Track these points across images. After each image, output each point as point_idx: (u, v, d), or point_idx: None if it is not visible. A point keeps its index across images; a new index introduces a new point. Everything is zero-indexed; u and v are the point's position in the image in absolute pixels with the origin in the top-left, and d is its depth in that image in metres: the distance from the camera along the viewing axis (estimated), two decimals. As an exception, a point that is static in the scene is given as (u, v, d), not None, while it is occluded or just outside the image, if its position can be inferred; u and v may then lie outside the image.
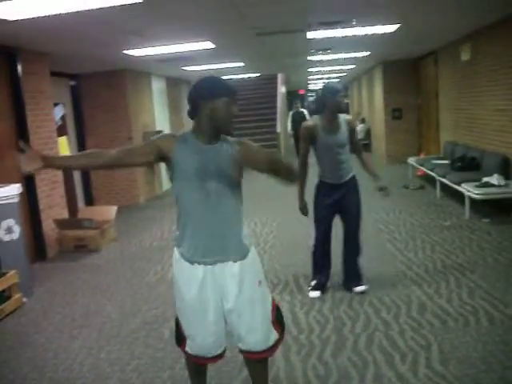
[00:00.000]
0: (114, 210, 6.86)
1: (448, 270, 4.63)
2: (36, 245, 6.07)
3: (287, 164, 2.30)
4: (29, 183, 5.89)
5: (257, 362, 2.48)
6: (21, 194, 4.96)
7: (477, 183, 6.28)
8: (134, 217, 8.32)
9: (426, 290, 4.18)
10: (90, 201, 9.25)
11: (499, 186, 6.13)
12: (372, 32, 6.89)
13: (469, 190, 6.26)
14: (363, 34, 6.92)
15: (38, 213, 6.05)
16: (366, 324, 3.65)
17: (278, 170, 2.26)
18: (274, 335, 2.41)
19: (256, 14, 5.33)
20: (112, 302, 4.55)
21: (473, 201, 6.30)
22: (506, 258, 4.69)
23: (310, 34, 6.79)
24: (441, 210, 7.00)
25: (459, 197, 7.00)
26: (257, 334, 2.34)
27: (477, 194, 6.07)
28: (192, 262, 2.25)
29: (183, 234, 2.28)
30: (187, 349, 2.44)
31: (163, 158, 2.21)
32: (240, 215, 2.34)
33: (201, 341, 2.36)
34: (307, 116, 13.33)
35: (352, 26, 6.31)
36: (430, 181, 8.71)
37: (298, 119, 12.99)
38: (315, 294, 4.24)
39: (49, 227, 6.23)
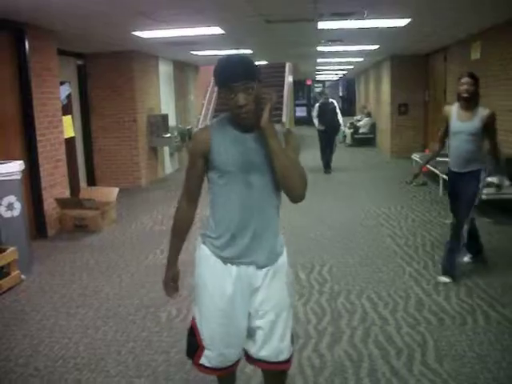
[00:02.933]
0: (115, 191, 6.86)
1: (447, 267, 4.63)
2: (36, 223, 6.06)
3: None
4: (32, 161, 5.89)
5: (276, 374, 2.24)
6: (23, 171, 4.96)
7: (480, 183, 6.22)
8: (135, 199, 8.32)
9: (424, 287, 4.18)
10: (92, 181, 9.26)
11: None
12: (382, 25, 6.84)
13: (472, 189, 6.22)
14: (374, 26, 6.87)
15: (40, 191, 6.04)
16: (363, 318, 3.65)
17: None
18: (290, 346, 2.20)
19: (267, 1, 5.28)
20: (110, 283, 4.56)
21: (475, 200, 6.26)
22: (505, 258, 4.68)
23: (321, 24, 6.74)
24: (442, 208, 6.98)
25: (462, 195, 6.98)
26: (276, 341, 2.12)
27: (479, 194, 6.03)
28: (225, 262, 2.06)
29: (219, 231, 2.06)
30: (202, 361, 2.16)
31: (206, 157, 2.02)
32: (278, 214, 2.16)
33: (223, 349, 2.12)
34: (337, 108, 10.67)
35: (363, 18, 6.26)
36: (433, 178, 8.68)
37: (328, 111, 10.49)
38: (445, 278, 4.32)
39: (50, 206, 6.22)
